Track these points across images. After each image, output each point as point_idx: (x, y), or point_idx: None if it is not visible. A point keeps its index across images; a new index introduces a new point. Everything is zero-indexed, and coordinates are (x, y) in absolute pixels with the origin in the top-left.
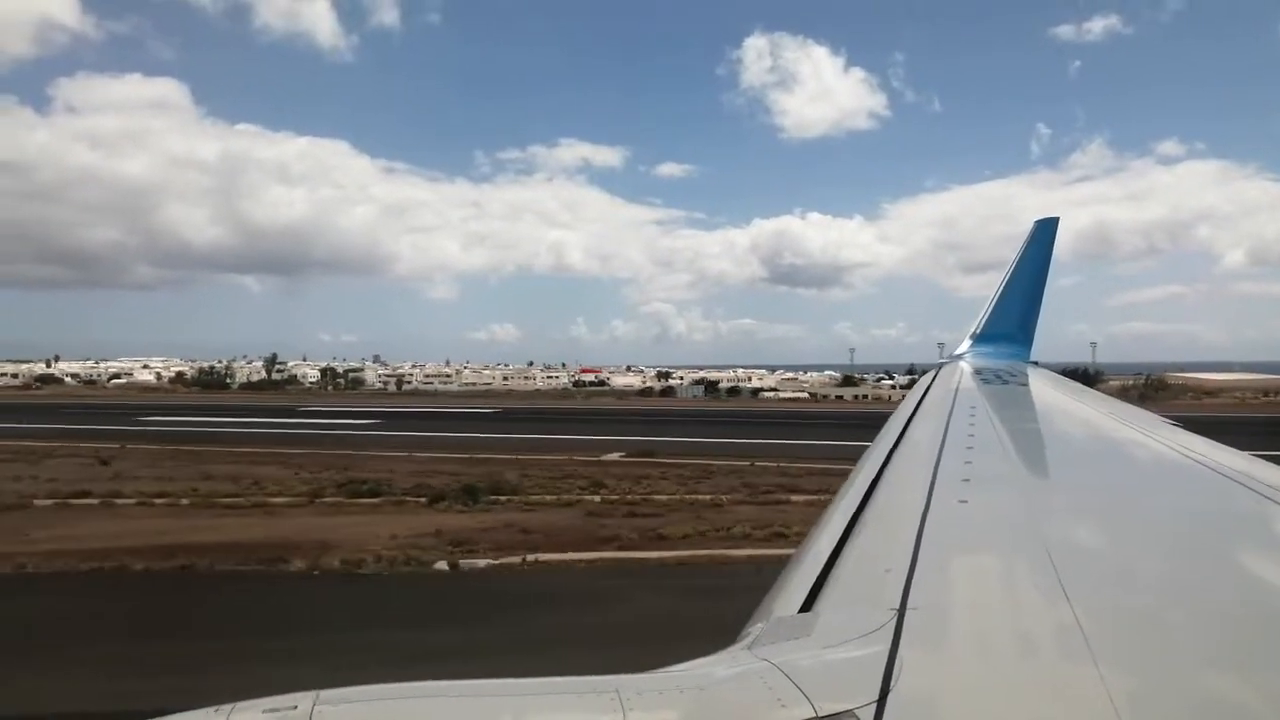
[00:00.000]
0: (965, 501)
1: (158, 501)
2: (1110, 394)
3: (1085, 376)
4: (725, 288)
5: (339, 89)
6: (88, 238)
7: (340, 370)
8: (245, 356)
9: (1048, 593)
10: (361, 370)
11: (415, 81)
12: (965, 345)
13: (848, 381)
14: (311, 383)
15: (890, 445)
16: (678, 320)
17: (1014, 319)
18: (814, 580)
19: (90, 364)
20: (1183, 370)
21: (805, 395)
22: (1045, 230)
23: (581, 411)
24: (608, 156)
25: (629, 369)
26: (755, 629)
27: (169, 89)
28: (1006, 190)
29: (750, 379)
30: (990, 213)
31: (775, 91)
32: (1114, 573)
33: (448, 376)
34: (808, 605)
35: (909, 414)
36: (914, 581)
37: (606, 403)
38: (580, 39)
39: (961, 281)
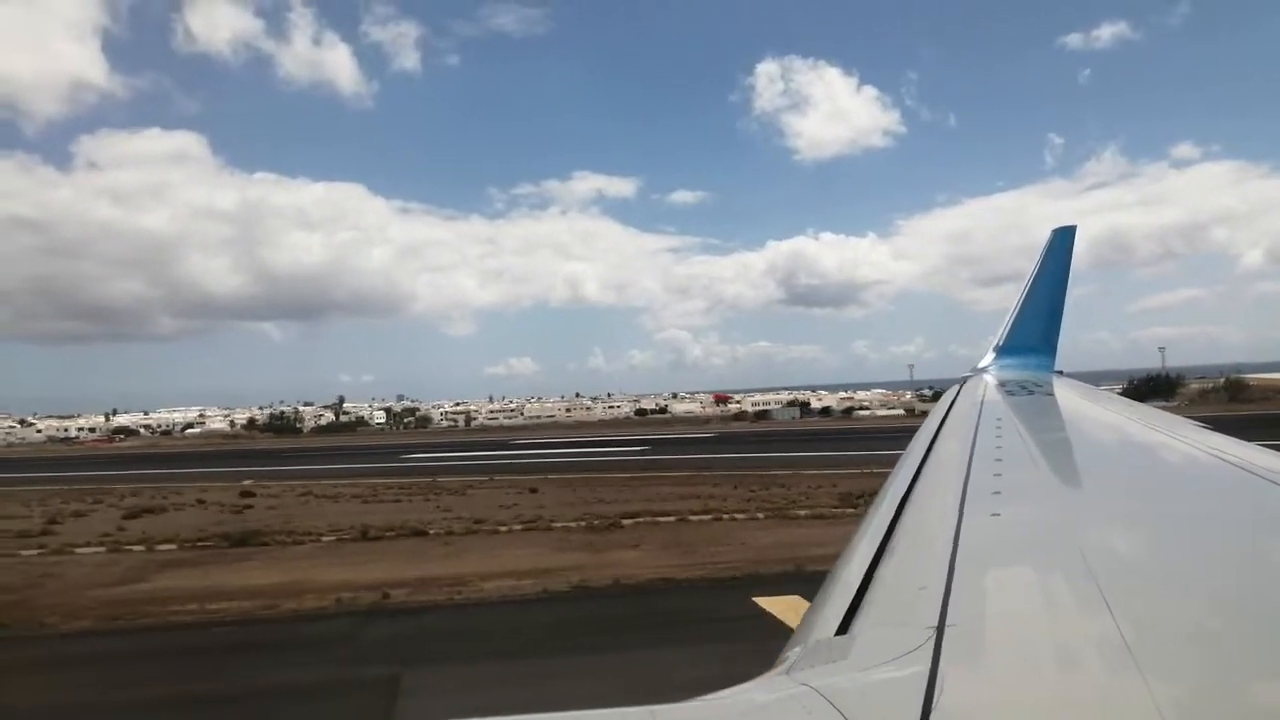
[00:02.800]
0: (998, 515)
1: (742, 517)
2: (1191, 398)
3: (1168, 382)
4: (741, 311)
5: (355, 133)
6: (110, 291)
7: (398, 411)
8: (282, 401)
9: (1088, 604)
10: (419, 409)
11: (431, 122)
12: (988, 358)
13: (936, 397)
14: (379, 424)
15: (918, 461)
16: (694, 346)
17: (1036, 330)
18: (850, 601)
19: (141, 416)
20: (1242, 371)
21: (901, 411)
22: (1063, 239)
23: (779, 433)
24: (621, 187)
25: (674, 396)
26: (793, 653)
27: (188, 141)
28: (1020, 201)
29: (809, 400)
30: (1004, 224)
31: (788, 114)
32: (1155, 582)
33: (511, 411)
34: (844, 627)
35: (935, 429)
36: (951, 598)
37: (762, 426)
38: (594, 74)
39: (978, 295)
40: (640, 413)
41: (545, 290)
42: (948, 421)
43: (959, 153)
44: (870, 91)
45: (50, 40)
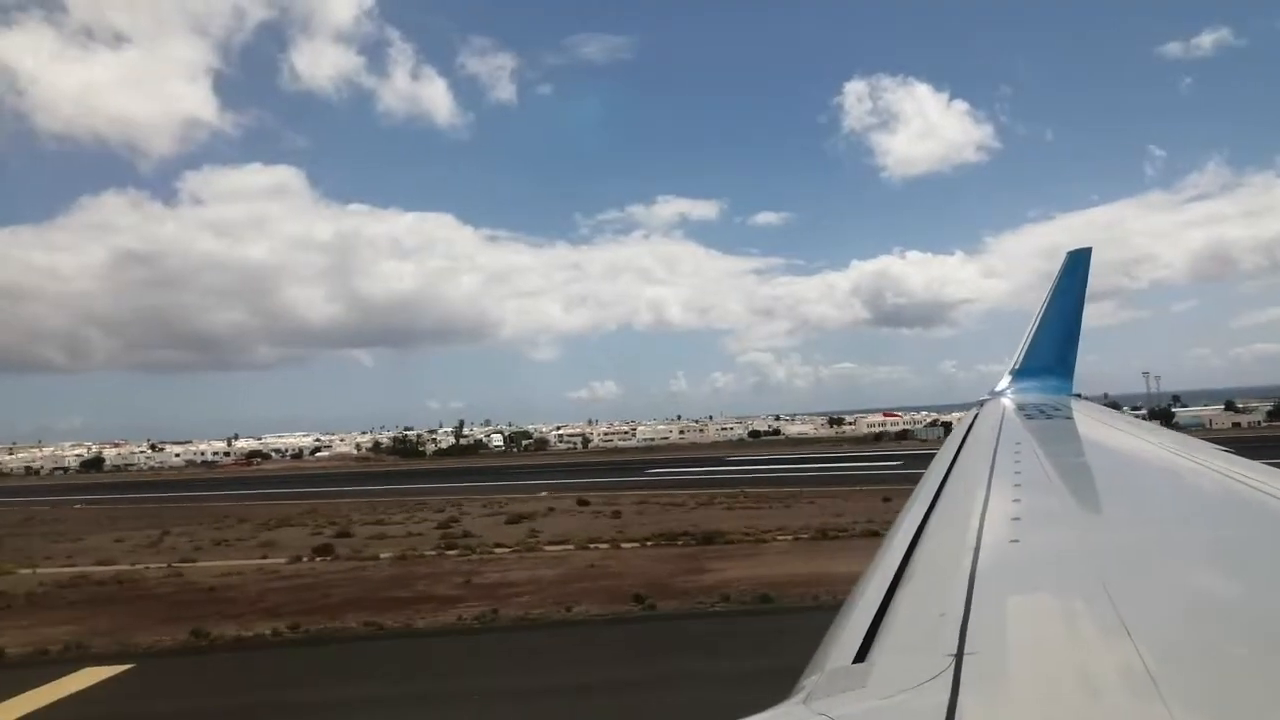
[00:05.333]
0: (1017, 541)
1: None
2: None
3: None
4: (825, 332)
5: (445, 163)
6: (211, 321)
7: (509, 434)
8: (382, 426)
9: (1109, 632)
10: (532, 432)
11: (518, 150)
12: (1005, 381)
13: None
14: (496, 446)
15: (935, 487)
16: (777, 368)
17: (1053, 352)
18: (867, 629)
19: (255, 441)
20: None
21: None
22: (1078, 261)
23: None
24: (704, 210)
25: (777, 418)
26: (809, 682)
27: (287, 175)
28: (1116, 215)
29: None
30: (1100, 238)
31: (876, 133)
32: (1176, 610)
33: (625, 433)
34: (861, 655)
35: (953, 454)
36: (970, 626)
37: (928, 447)
38: (677, 99)
39: None
40: (754, 434)
41: (628, 314)
42: (965, 446)
43: (1052, 167)
44: (961, 106)
45: (168, 82)
